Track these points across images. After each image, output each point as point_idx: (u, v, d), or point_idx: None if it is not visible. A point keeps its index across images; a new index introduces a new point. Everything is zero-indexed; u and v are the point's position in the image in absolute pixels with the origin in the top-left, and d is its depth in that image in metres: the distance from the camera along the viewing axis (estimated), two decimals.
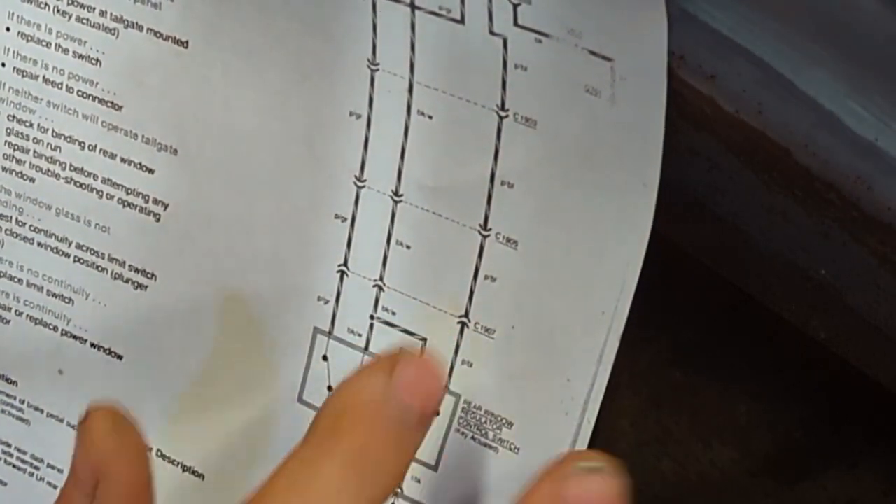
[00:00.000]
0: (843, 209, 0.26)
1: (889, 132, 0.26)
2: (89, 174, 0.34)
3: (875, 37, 0.26)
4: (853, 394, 0.35)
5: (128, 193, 0.34)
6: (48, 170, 0.34)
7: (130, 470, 0.28)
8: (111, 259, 0.35)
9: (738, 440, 0.38)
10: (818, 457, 0.38)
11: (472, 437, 0.32)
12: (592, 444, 0.31)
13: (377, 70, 0.30)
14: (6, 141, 0.34)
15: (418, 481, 0.33)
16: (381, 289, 0.32)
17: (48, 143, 0.34)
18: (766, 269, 0.29)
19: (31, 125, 0.34)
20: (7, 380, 0.37)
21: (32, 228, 0.35)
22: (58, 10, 0.33)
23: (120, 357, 0.36)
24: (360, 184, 0.31)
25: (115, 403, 0.28)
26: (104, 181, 0.34)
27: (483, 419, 0.32)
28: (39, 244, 0.35)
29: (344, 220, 0.32)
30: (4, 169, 0.35)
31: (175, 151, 0.33)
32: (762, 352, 0.37)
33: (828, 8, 0.26)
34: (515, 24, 0.27)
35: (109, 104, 0.33)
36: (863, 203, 0.26)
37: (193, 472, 0.36)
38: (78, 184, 0.34)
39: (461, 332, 0.31)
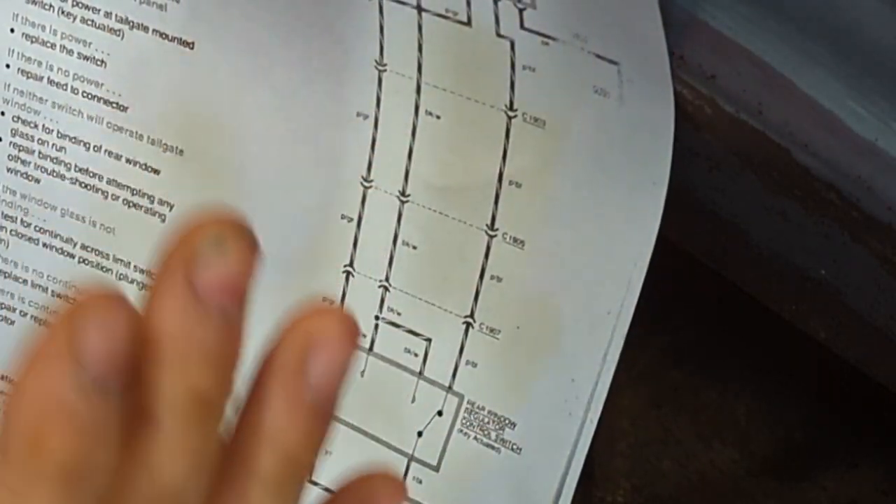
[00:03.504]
0: (843, 209, 0.26)
1: (889, 132, 0.26)
2: (94, 175, 0.34)
3: (875, 37, 0.26)
4: (853, 394, 0.35)
5: (133, 194, 0.34)
6: (53, 171, 0.34)
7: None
8: (116, 259, 0.35)
9: (738, 440, 0.38)
10: (818, 457, 0.38)
11: (475, 438, 0.32)
12: (592, 444, 0.31)
13: (385, 70, 0.30)
14: (11, 142, 0.34)
15: (420, 482, 0.33)
16: (386, 289, 0.32)
17: (53, 144, 0.34)
18: (766, 269, 0.29)
19: (36, 126, 0.34)
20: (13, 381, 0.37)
21: (37, 229, 0.35)
22: (62, 12, 0.33)
23: None
24: (367, 184, 0.31)
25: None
26: (109, 182, 0.34)
27: (486, 419, 0.32)
28: (44, 245, 0.35)
29: (350, 220, 0.32)
30: (9, 170, 0.35)
31: (181, 152, 0.33)
32: (763, 352, 0.37)
33: (828, 8, 0.26)
34: (522, 27, 0.27)
35: (115, 105, 0.33)
36: (863, 203, 0.26)
37: None
38: (83, 184, 0.34)
39: (466, 332, 0.31)
